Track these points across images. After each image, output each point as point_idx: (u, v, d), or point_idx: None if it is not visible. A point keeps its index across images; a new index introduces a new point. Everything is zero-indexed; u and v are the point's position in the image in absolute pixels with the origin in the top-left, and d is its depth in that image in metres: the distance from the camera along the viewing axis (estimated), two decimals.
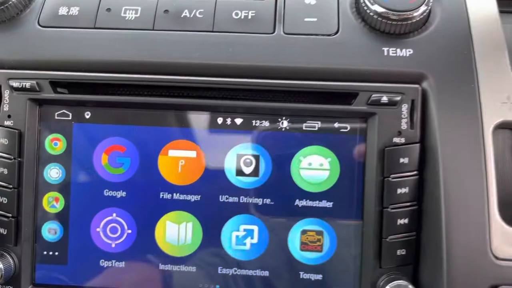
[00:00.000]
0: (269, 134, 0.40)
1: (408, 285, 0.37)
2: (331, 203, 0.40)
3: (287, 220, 0.40)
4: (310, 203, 0.40)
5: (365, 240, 0.39)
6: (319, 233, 0.40)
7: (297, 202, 0.40)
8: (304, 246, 0.40)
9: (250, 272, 0.40)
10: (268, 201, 0.40)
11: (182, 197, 0.41)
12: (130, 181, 0.41)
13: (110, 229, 0.41)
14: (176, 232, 0.41)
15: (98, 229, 0.41)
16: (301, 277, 0.40)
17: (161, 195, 0.41)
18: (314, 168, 0.40)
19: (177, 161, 0.41)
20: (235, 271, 0.40)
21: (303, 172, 0.40)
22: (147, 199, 0.41)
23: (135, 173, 0.41)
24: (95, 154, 0.41)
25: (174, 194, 0.41)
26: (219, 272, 0.40)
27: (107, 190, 0.41)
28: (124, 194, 0.41)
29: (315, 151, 0.40)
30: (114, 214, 0.41)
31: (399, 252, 0.38)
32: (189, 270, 0.41)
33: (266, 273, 0.40)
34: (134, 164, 0.41)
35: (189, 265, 0.41)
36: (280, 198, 0.40)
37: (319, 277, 0.40)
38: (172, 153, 0.41)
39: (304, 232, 0.40)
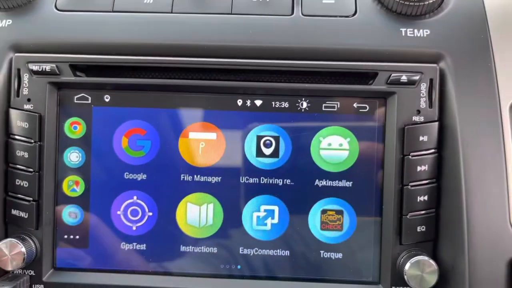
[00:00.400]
0: (288, 115, 0.41)
1: (430, 260, 0.38)
2: (351, 182, 0.41)
3: (307, 200, 0.41)
4: (330, 182, 0.41)
5: (384, 217, 0.40)
6: (339, 212, 0.41)
7: (317, 182, 0.41)
8: (324, 226, 0.41)
9: (271, 252, 0.41)
10: (288, 181, 0.41)
11: (203, 178, 0.41)
12: (151, 164, 0.41)
13: (131, 212, 0.41)
14: (197, 214, 0.41)
15: (118, 212, 0.41)
16: (321, 256, 0.41)
17: (182, 177, 0.41)
18: (334, 148, 0.41)
19: (198, 143, 0.41)
20: (256, 251, 0.41)
21: (322, 152, 0.41)
22: (168, 181, 0.41)
23: (156, 155, 0.41)
24: (115, 137, 0.41)
25: (195, 176, 0.41)
26: (240, 252, 0.41)
27: (128, 173, 0.41)
28: (144, 176, 0.41)
29: (335, 132, 0.41)
30: (135, 197, 0.41)
31: (419, 228, 0.39)
32: (211, 251, 0.41)
33: (287, 253, 0.41)
34: (154, 147, 0.41)
35: (210, 246, 0.41)
36: (300, 178, 0.41)
37: (339, 255, 0.40)
38: (193, 135, 0.41)
39: (324, 211, 0.41)
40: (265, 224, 0.41)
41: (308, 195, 0.41)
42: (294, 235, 0.41)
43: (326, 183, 0.41)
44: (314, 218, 0.41)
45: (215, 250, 0.41)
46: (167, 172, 0.41)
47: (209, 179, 0.41)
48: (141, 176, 0.41)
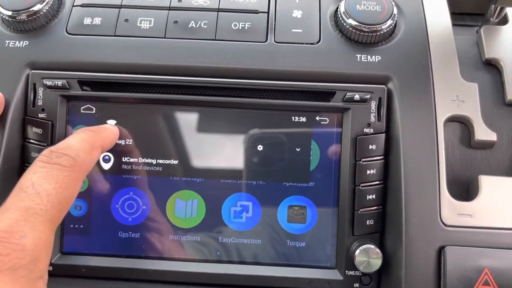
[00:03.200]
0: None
1: (376, 248, 0.45)
2: (313, 183, 0.48)
3: (276, 197, 0.48)
4: (295, 183, 0.48)
5: (340, 212, 0.47)
6: (303, 207, 0.48)
7: (284, 182, 0.48)
8: (291, 219, 0.48)
9: (245, 241, 0.48)
10: (260, 182, 0.48)
11: (189, 178, 0.48)
12: (143, 164, 0.48)
13: (128, 205, 0.48)
14: (184, 208, 0.48)
15: (117, 206, 0.49)
16: (288, 244, 0.48)
17: (171, 177, 0.48)
18: None
19: None
20: (233, 240, 0.48)
21: None
22: (160, 179, 0.48)
23: None
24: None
25: (183, 176, 0.48)
26: (219, 241, 0.48)
27: (124, 175, 0.48)
28: (137, 176, 0.48)
29: None
30: (131, 193, 0.48)
31: (368, 222, 0.46)
32: (195, 239, 0.48)
33: (259, 242, 0.48)
34: None
35: (194, 235, 0.48)
36: (270, 179, 0.48)
37: (302, 244, 0.48)
38: None
39: (290, 207, 0.48)
40: (241, 217, 0.48)
41: (277, 193, 0.48)
42: (265, 226, 0.48)
43: (292, 183, 0.48)
44: (282, 212, 0.48)
45: (198, 238, 0.48)
46: (159, 172, 0.48)
47: (194, 179, 0.48)
48: (134, 176, 0.48)
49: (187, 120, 0.48)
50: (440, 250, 0.43)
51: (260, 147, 0.48)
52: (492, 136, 0.46)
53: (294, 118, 0.48)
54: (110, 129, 0.45)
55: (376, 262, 0.45)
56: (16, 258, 0.30)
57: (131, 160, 0.48)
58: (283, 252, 0.48)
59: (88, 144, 0.41)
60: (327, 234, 0.48)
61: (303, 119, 0.48)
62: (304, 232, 0.48)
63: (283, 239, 0.48)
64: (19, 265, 0.30)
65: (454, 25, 0.51)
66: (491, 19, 0.54)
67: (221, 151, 0.48)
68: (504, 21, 0.53)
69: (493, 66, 0.50)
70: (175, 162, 0.48)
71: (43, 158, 0.37)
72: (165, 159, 0.48)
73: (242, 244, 0.48)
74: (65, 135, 0.48)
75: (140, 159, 0.48)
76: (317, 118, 0.48)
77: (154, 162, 0.48)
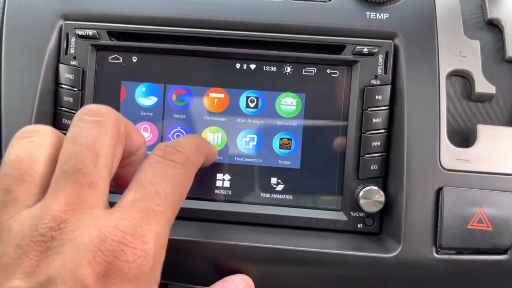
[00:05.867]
0: (271, 81, 0.53)
1: (379, 190, 0.49)
2: None
3: (273, 132, 0.53)
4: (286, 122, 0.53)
5: (347, 158, 0.51)
6: (289, 139, 0.53)
7: (278, 122, 0.53)
8: (281, 146, 0.53)
9: (251, 160, 0.53)
10: (262, 122, 0.53)
11: (216, 119, 0.53)
12: (188, 109, 0.53)
13: (176, 135, 0.54)
14: (212, 137, 0.54)
15: (169, 136, 0.54)
16: (279, 162, 0.53)
17: (204, 118, 0.53)
18: None
19: (214, 99, 0.53)
20: (243, 160, 0.53)
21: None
22: (197, 119, 0.53)
23: (191, 105, 0.53)
24: (168, 93, 0.53)
25: (212, 117, 0.53)
26: (235, 159, 0.53)
27: (175, 114, 0.53)
28: (184, 116, 0.53)
29: None
30: (178, 127, 0.54)
31: (372, 167, 0.50)
32: (219, 158, 0.53)
33: (260, 161, 0.53)
34: (190, 100, 0.53)
35: (220, 155, 0.53)
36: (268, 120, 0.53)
37: (288, 163, 0.53)
38: (211, 94, 0.53)
39: (281, 139, 0.53)
40: (249, 145, 0.53)
41: (273, 130, 0.53)
42: (264, 151, 0.53)
43: (282, 122, 0.53)
44: (275, 142, 0.53)
45: (221, 158, 0.53)
46: (197, 114, 0.53)
47: (219, 119, 0.53)
48: (182, 116, 0.53)
49: (211, 73, 0.53)
50: (439, 191, 0.47)
51: (262, 99, 0.53)
52: (491, 89, 0.49)
53: (306, 71, 0.52)
54: (213, 146, 0.49)
55: (379, 202, 0.48)
56: (140, 266, 0.27)
57: None
58: (275, 167, 0.53)
59: (198, 145, 0.41)
60: (333, 180, 0.52)
61: (314, 71, 0.52)
62: (290, 154, 0.53)
63: (276, 159, 0.53)
64: (141, 272, 0.27)
65: None
66: None
67: (237, 101, 0.53)
68: None
69: (495, 26, 0.53)
70: (207, 107, 0.53)
71: (158, 152, 0.35)
72: (201, 105, 0.53)
73: (249, 161, 0.53)
74: (94, 82, 0.53)
75: (186, 105, 0.54)
76: (328, 70, 0.52)
77: (195, 108, 0.54)
